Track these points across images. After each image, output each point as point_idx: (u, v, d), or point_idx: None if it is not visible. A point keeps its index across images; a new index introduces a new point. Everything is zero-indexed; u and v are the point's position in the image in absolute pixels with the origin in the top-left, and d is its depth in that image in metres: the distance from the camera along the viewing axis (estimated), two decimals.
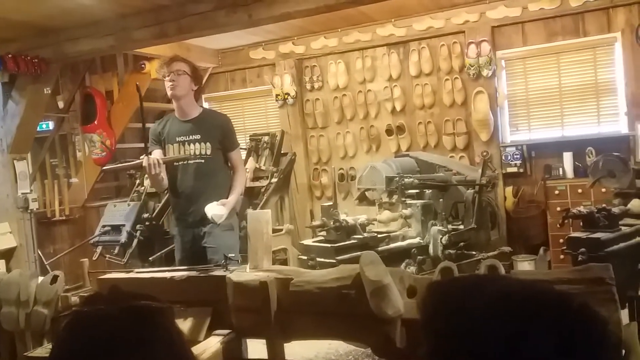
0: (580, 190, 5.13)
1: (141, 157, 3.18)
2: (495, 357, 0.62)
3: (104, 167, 4.16)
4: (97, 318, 0.75)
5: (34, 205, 5.29)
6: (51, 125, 6.11)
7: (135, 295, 0.83)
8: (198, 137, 3.27)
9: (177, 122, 3.35)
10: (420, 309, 0.75)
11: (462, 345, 0.64)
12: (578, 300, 0.67)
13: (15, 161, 5.19)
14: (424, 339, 0.71)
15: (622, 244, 3.20)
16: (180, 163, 3.28)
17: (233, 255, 2.61)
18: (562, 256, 4.59)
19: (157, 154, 3.24)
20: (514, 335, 0.61)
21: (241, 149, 5.59)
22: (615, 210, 3.39)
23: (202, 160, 3.26)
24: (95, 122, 5.83)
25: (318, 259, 3.69)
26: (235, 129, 3.52)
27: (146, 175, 5.58)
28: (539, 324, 0.62)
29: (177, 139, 3.30)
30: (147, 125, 3.45)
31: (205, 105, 6.98)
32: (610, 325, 0.65)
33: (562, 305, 0.65)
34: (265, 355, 2.25)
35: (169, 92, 3.29)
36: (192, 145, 3.27)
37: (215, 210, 3.10)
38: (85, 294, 2.60)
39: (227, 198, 3.25)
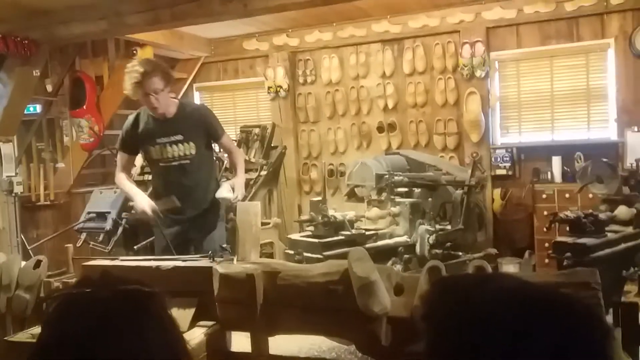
0: (567, 195, 5.16)
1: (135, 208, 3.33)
2: (496, 355, 0.61)
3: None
4: (88, 301, 0.73)
5: (18, 189, 5.23)
6: (39, 108, 6.02)
7: (125, 280, 0.81)
8: (180, 137, 3.17)
9: (154, 121, 3.20)
10: (423, 302, 0.74)
11: (464, 341, 0.63)
12: (583, 303, 0.66)
13: (1, 143, 5.12)
14: (424, 332, 0.70)
15: (607, 250, 3.23)
16: (163, 164, 3.22)
17: (226, 245, 2.60)
18: (547, 260, 4.62)
19: (144, 201, 3.17)
20: (517, 334, 0.61)
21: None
22: (602, 216, 3.42)
23: (188, 161, 3.19)
24: (84, 106, 5.75)
25: (305, 254, 3.68)
26: (217, 115, 3.47)
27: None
28: (543, 324, 0.62)
29: (158, 141, 3.18)
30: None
31: (196, 95, 6.94)
32: (612, 329, 0.65)
33: (567, 306, 0.65)
34: (249, 348, 2.23)
35: (150, 111, 3.16)
36: (175, 146, 3.17)
37: (224, 194, 3.18)
38: (69, 280, 2.57)
39: (218, 186, 3.27)
